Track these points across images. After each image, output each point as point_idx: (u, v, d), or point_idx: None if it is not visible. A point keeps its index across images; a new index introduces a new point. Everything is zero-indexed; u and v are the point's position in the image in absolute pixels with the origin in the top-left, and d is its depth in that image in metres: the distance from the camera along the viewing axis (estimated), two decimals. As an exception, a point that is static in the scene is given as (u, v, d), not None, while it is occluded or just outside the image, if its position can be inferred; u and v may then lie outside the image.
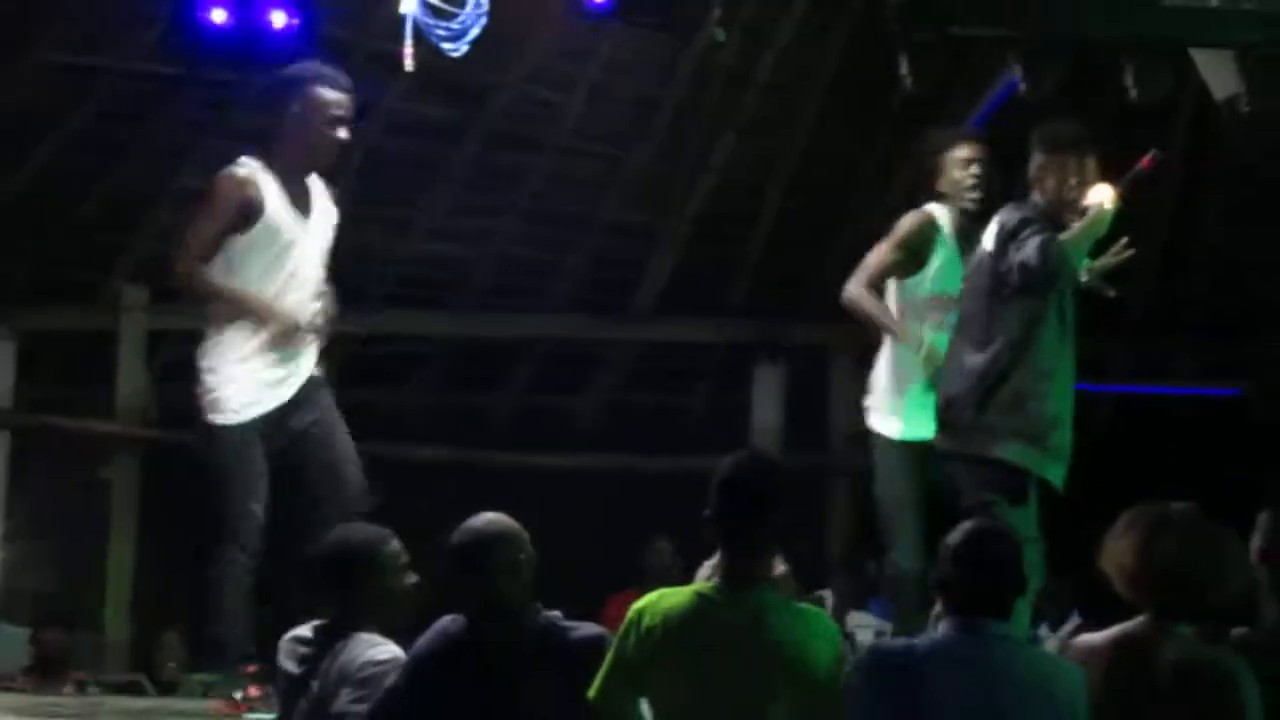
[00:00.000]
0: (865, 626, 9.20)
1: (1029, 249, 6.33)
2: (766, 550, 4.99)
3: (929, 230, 7.09)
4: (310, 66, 6.86)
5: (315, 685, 5.37)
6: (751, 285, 11.91)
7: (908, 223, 7.14)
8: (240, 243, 6.62)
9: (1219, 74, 8.27)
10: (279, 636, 5.67)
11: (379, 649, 5.33)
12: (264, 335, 6.61)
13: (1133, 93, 8.04)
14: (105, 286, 11.12)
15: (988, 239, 6.58)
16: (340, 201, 6.92)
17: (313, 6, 9.69)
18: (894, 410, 7.02)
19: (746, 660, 4.79)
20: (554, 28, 10.45)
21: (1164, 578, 4.79)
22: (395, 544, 5.53)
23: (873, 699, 4.71)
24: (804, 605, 5.04)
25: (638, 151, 11.35)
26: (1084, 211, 6.44)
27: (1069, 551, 6.07)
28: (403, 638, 5.38)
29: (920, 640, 4.93)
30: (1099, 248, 6.69)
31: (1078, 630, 8.02)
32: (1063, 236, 6.41)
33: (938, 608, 4.87)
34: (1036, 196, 6.58)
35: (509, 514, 5.27)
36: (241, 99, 10.29)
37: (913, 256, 7.09)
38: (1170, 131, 10.50)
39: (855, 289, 7.10)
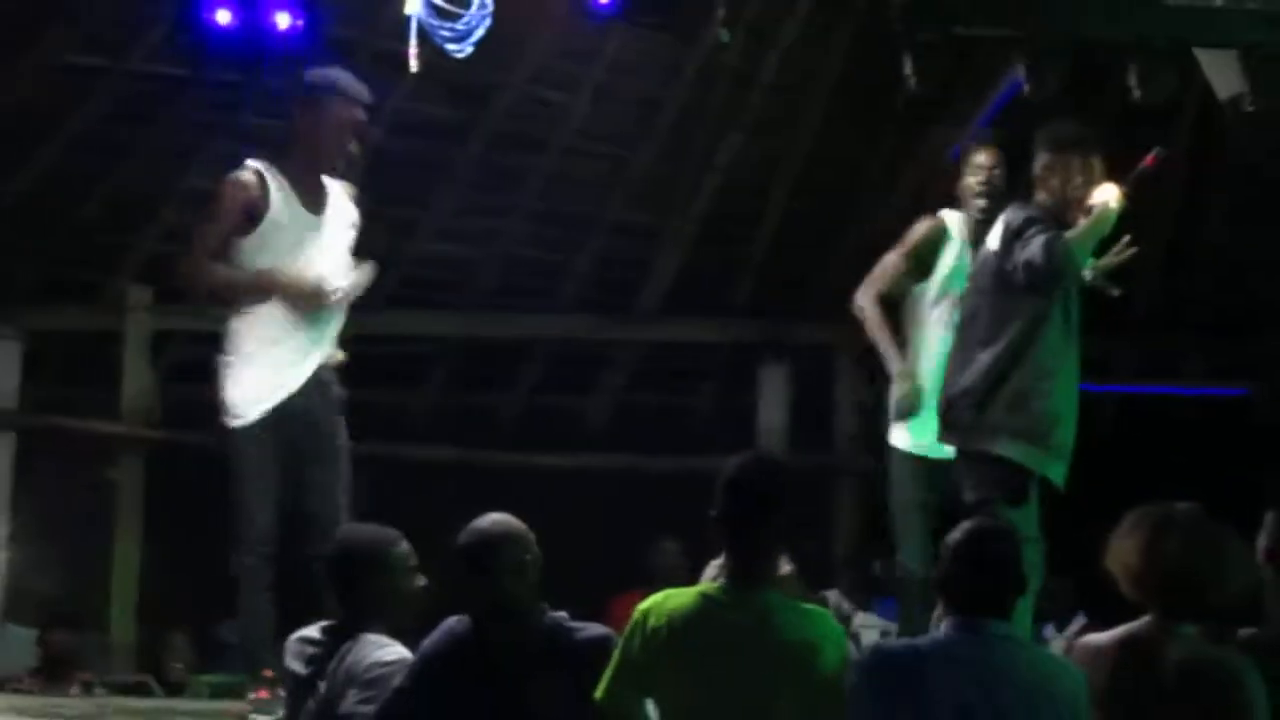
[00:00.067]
0: (870, 627, 9.21)
1: (1034, 248, 6.34)
2: (772, 550, 4.99)
3: (936, 237, 7.17)
4: (329, 76, 6.86)
5: (322, 686, 5.37)
6: (756, 285, 11.91)
7: (916, 231, 7.23)
8: (247, 243, 6.65)
9: (1223, 73, 8.28)
10: (285, 637, 5.69)
11: (386, 650, 5.33)
12: (281, 307, 6.63)
13: (1137, 92, 8.06)
14: (110, 287, 11.12)
15: (993, 238, 6.60)
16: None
17: (317, 7, 9.70)
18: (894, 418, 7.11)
19: (752, 661, 4.79)
20: (558, 28, 10.45)
21: (1168, 578, 4.80)
22: (405, 545, 5.54)
23: (873, 699, 4.71)
24: (809, 606, 5.04)
25: (643, 152, 11.35)
26: (1089, 211, 6.45)
27: (1073, 551, 6.07)
28: (409, 638, 5.39)
29: (921, 640, 4.94)
30: (1102, 247, 6.70)
31: (1083, 630, 8.03)
32: (1068, 235, 6.42)
33: (940, 608, 4.88)
34: (1041, 196, 6.59)
35: (514, 514, 5.28)
36: (248, 99, 10.32)
37: (921, 264, 7.17)
38: (1174, 131, 10.49)
39: (864, 301, 7.21)
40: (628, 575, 9.65)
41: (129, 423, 10.94)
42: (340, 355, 6.84)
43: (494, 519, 5.23)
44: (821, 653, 4.82)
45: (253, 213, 6.65)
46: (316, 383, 6.72)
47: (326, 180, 6.81)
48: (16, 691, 8.90)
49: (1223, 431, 11.41)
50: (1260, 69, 8.07)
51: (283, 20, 9.66)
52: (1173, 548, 4.80)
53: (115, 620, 10.60)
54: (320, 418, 6.71)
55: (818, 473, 11.36)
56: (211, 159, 10.41)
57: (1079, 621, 9.19)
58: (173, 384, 11.10)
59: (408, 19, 8.34)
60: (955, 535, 4.87)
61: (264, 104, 10.18)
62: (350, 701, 5.26)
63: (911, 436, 7.09)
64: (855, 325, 7.39)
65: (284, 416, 6.63)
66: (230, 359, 6.68)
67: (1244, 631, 5.11)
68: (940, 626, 4.81)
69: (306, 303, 6.64)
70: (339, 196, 6.84)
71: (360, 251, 6.92)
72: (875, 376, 7.29)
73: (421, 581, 5.53)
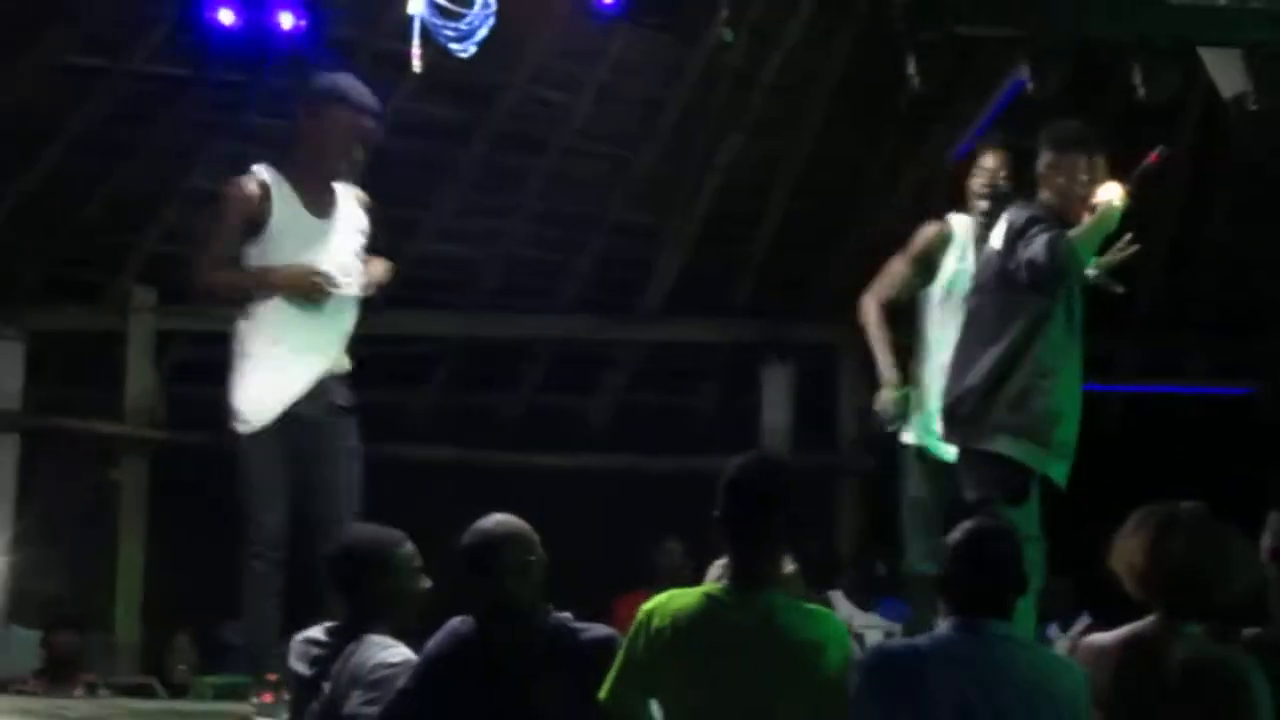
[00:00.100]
0: (874, 627, 9.20)
1: (1037, 246, 6.34)
2: (775, 551, 4.99)
3: (940, 242, 7.24)
4: (337, 83, 6.87)
5: (327, 687, 5.38)
6: (757, 285, 11.90)
7: (921, 236, 7.28)
8: (254, 247, 6.66)
9: (1226, 72, 8.28)
10: (289, 637, 5.69)
11: (390, 651, 5.33)
12: (287, 308, 6.64)
13: (1140, 91, 8.05)
14: (113, 287, 11.12)
15: (996, 237, 6.60)
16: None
17: (320, 7, 9.70)
18: (913, 421, 7.13)
19: (756, 661, 4.79)
20: (561, 28, 10.45)
21: (1173, 577, 4.80)
22: (409, 547, 5.54)
23: (873, 699, 4.71)
24: (813, 606, 5.04)
25: (644, 152, 11.34)
26: (1093, 209, 6.45)
27: (1077, 551, 6.07)
28: (413, 639, 5.39)
29: (921, 640, 4.94)
30: (1105, 244, 6.70)
31: (1088, 630, 8.02)
32: (1071, 234, 6.42)
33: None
34: (1045, 195, 6.59)
35: (516, 514, 5.28)
36: (251, 99, 10.32)
37: (926, 269, 7.23)
38: (1178, 130, 10.49)
39: (868, 305, 7.26)
40: (630, 576, 9.65)
41: (132, 423, 10.94)
42: (347, 364, 6.84)
43: (497, 519, 5.24)
44: (825, 653, 4.82)
45: (255, 218, 6.67)
46: (324, 386, 6.72)
47: (335, 185, 6.81)
48: (21, 693, 8.89)
49: (1226, 431, 11.40)
50: (1264, 67, 8.07)
51: (286, 20, 9.65)
52: (1177, 547, 4.80)
53: (119, 621, 10.61)
54: (328, 421, 6.72)
55: (820, 473, 11.36)
56: (214, 159, 10.43)
57: (1083, 621, 9.17)
58: (176, 384, 11.11)
59: (410, 19, 8.34)
60: (955, 535, 4.87)
61: (266, 104, 10.19)
62: (355, 702, 5.26)
63: (924, 436, 7.11)
64: (857, 327, 7.42)
65: (291, 420, 6.64)
66: (238, 363, 6.70)
67: (1248, 631, 5.11)
68: (940, 626, 4.81)
69: (305, 290, 6.64)
70: (347, 201, 6.85)
71: (366, 252, 6.94)
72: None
73: (426, 583, 5.53)
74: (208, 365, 10.52)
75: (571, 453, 11.67)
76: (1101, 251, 6.71)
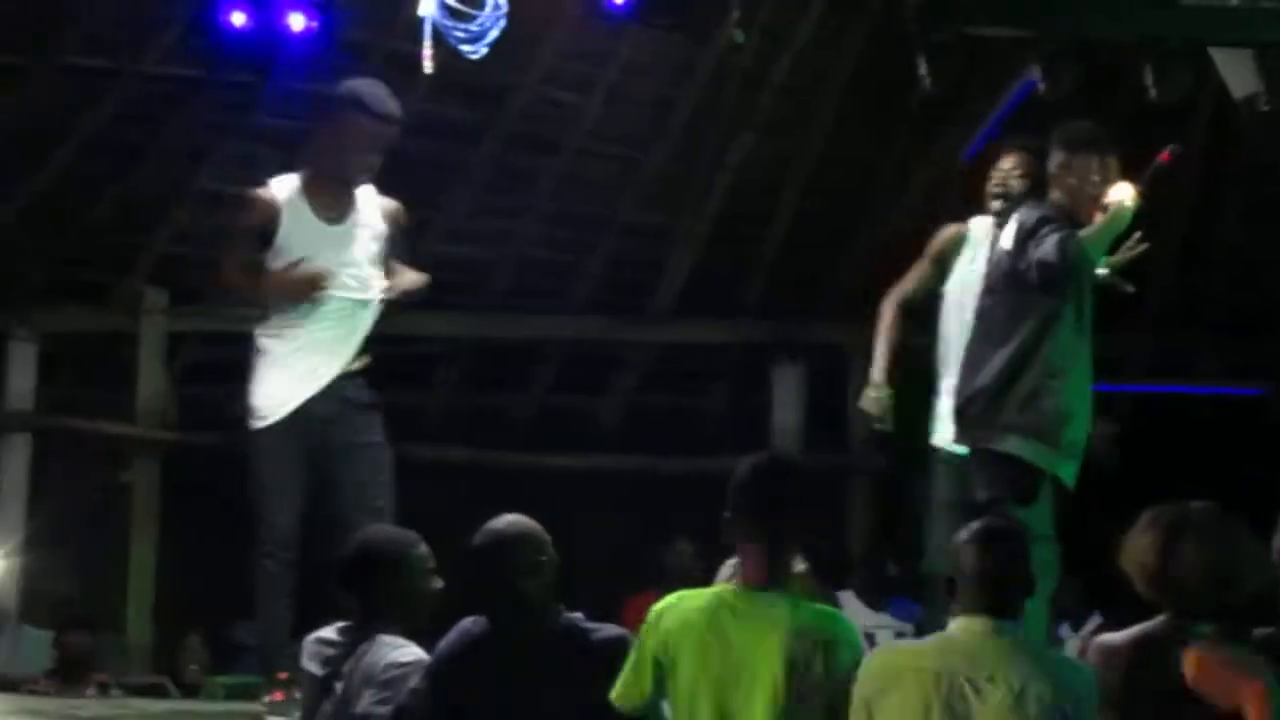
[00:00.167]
0: (884, 627, 9.20)
1: (1048, 246, 6.33)
2: (786, 551, 4.99)
3: (954, 243, 7.27)
4: (358, 89, 6.87)
5: (339, 687, 5.38)
6: (768, 286, 11.90)
7: (938, 238, 7.31)
8: (270, 252, 6.68)
9: (1238, 72, 8.28)
10: (302, 637, 5.70)
11: (402, 651, 5.34)
12: (286, 299, 6.67)
13: (1152, 92, 8.06)
14: (123, 288, 11.13)
15: (1006, 238, 6.59)
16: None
17: (332, 9, 9.71)
18: (937, 418, 7.15)
19: (766, 662, 4.79)
20: (572, 29, 10.45)
21: (1183, 577, 4.79)
22: (423, 548, 5.55)
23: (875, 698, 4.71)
24: (824, 607, 5.04)
25: (655, 153, 11.35)
26: (1105, 209, 6.45)
27: (1088, 550, 6.06)
28: (425, 639, 5.39)
29: (927, 640, 4.94)
30: (1115, 243, 6.70)
31: (1098, 630, 8.02)
32: (1082, 234, 6.41)
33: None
34: (1056, 195, 6.58)
35: (528, 515, 5.28)
36: (261, 100, 10.33)
37: (940, 268, 7.24)
38: (1189, 130, 10.48)
39: (886, 305, 7.29)
40: (640, 576, 9.65)
41: (144, 424, 10.95)
42: (365, 361, 6.85)
43: (509, 520, 5.24)
44: (836, 653, 4.81)
45: (267, 224, 6.71)
46: (339, 385, 6.73)
47: (353, 189, 6.82)
48: (32, 693, 8.91)
49: (1237, 431, 11.39)
50: (1275, 68, 8.07)
51: (296, 22, 9.66)
52: (1188, 547, 4.79)
53: (131, 622, 10.62)
54: (342, 418, 6.72)
55: (831, 473, 11.35)
56: (224, 160, 10.46)
57: (1094, 621, 9.17)
58: (187, 385, 11.12)
59: (422, 20, 8.34)
60: (963, 535, 4.87)
61: (277, 105, 10.20)
62: (366, 702, 5.27)
63: (938, 431, 7.12)
64: (868, 327, 7.43)
65: (305, 418, 6.66)
66: (255, 362, 6.72)
67: (1260, 631, 5.09)
68: (947, 626, 4.81)
69: (300, 296, 6.66)
70: (368, 205, 6.86)
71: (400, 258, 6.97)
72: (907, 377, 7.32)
73: (439, 583, 5.54)
74: (219, 366, 10.60)
75: (582, 453, 11.67)
76: (1111, 251, 6.71)
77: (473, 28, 8.33)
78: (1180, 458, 10.63)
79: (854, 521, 11.54)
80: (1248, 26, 7.93)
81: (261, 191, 6.77)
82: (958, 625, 4.76)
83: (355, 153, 6.77)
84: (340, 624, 5.54)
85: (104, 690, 9.28)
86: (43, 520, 10.66)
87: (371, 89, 6.86)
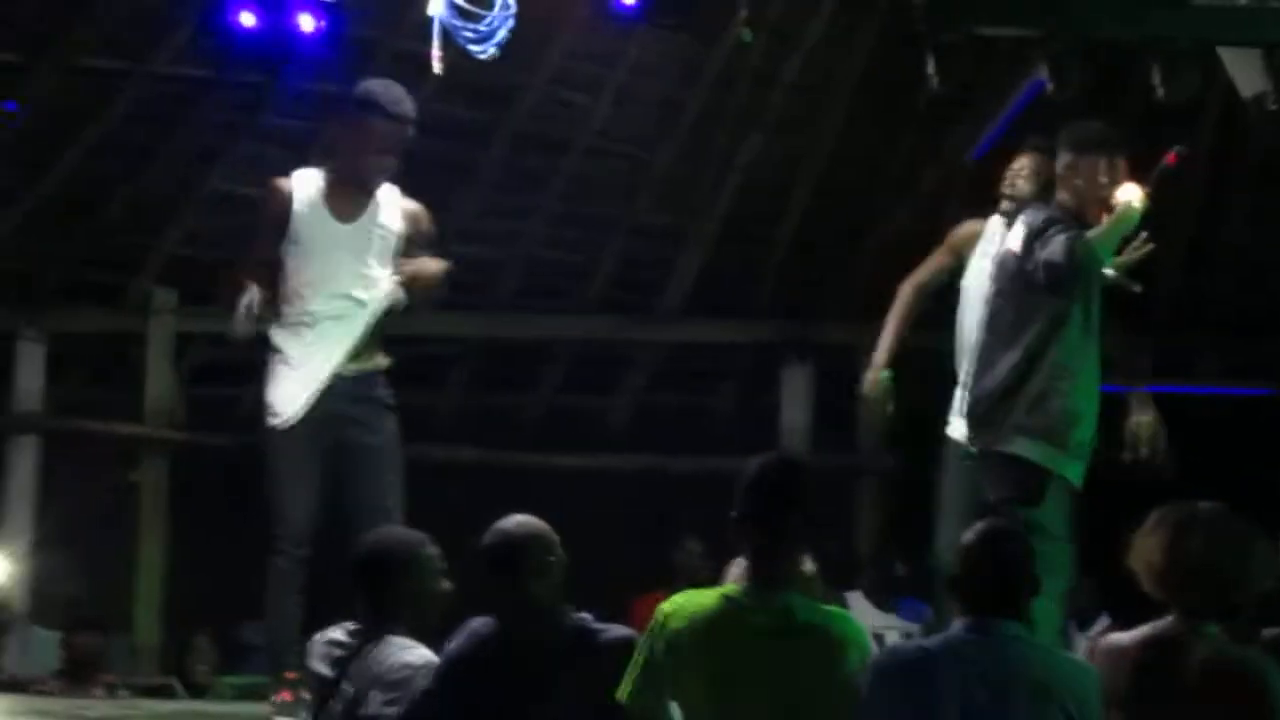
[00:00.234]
0: (893, 628, 9.20)
1: (1054, 247, 6.33)
2: (794, 551, 4.99)
3: (970, 237, 7.27)
4: (374, 90, 6.87)
5: (347, 687, 5.39)
6: (778, 285, 11.90)
7: (958, 230, 7.36)
8: (287, 245, 6.71)
9: (1246, 72, 8.27)
10: (310, 635, 5.71)
11: (411, 651, 5.34)
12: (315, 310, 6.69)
13: (1160, 92, 8.05)
14: (133, 289, 11.15)
15: (1013, 238, 6.59)
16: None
17: (341, 9, 9.72)
18: (952, 414, 7.15)
19: (774, 662, 4.79)
20: (580, 29, 10.46)
21: (1191, 576, 4.79)
22: (433, 549, 5.55)
23: (880, 699, 4.71)
24: (832, 607, 5.04)
25: (664, 152, 11.35)
26: (1112, 210, 6.44)
27: (1096, 550, 6.06)
28: (434, 640, 5.40)
29: (931, 640, 4.94)
30: (1121, 244, 6.70)
31: (1107, 630, 8.02)
32: (1090, 234, 6.41)
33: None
34: (1063, 195, 6.58)
35: (536, 515, 5.29)
36: (271, 101, 10.35)
37: (960, 261, 7.26)
38: (1197, 130, 10.48)
39: (903, 289, 7.30)
40: (649, 576, 9.66)
41: (152, 425, 10.97)
42: (383, 362, 6.86)
43: (518, 520, 5.24)
44: (844, 654, 4.82)
45: (281, 218, 6.73)
46: (354, 383, 6.75)
47: (370, 190, 6.83)
48: (41, 694, 8.92)
49: (1243, 432, 11.37)
50: (1284, 68, 8.07)
51: (306, 22, 9.67)
52: (1196, 546, 4.79)
53: (139, 622, 10.63)
54: (360, 418, 6.73)
55: (840, 473, 11.35)
56: (234, 161, 10.47)
57: (1103, 622, 9.17)
58: (196, 386, 11.13)
59: (430, 20, 8.35)
60: (967, 535, 4.88)
61: (287, 105, 10.21)
62: (375, 703, 5.27)
63: (952, 426, 7.12)
64: (877, 326, 7.43)
65: (322, 416, 6.67)
66: (270, 360, 6.74)
67: (1268, 631, 5.10)
68: (952, 626, 4.82)
69: (232, 300, 6.65)
70: (387, 205, 6.87)
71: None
72: (924, 376, 7.31)
73: (448, 584, 5.54)
74: (228, 367, 10.63)
75: (591, 453, 11.68)
76: (1118, 251, 6.71)
77: (481, 28, 8.34)
78: (1186, 458, 10.61)
79: (862, 522, 11.54)
80: (1256, 26, 7.92)
81: (281, 180, 6.79)
82: (961, 625, 4.76)
83: (372, 154, 6.78)
84: (349, 624, 5.54)
85: (112, 691, 9.29)
86: (51, 521, 10.67)
87: (387, 90, 6.86)
